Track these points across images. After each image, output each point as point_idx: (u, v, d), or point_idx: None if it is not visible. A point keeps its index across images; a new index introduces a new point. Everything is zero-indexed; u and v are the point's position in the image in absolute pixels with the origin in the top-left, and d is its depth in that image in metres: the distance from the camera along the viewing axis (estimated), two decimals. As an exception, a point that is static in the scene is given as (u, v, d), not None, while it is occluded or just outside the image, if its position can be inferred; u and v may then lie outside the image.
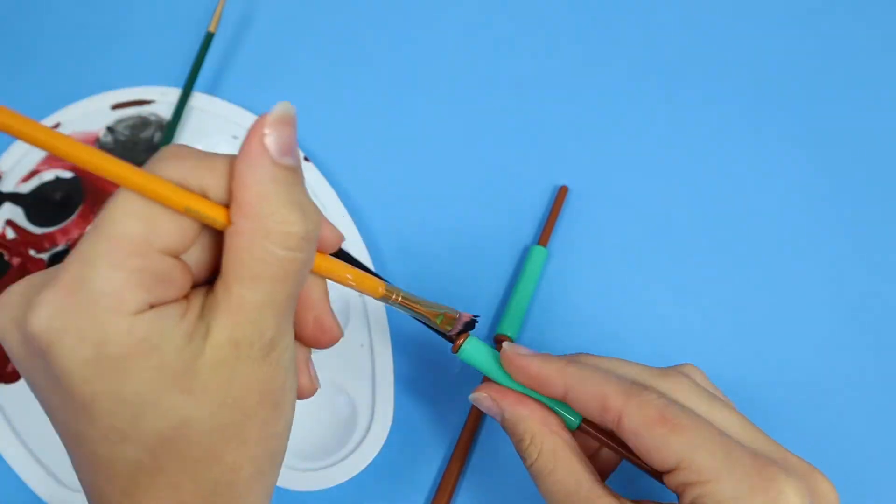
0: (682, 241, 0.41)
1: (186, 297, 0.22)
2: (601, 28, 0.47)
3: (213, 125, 0.43)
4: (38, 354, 0.20)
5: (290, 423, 0.25)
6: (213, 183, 0.21)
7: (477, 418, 0.36)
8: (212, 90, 0.45)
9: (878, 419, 0.37)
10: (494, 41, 0.47)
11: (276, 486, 0.34)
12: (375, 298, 0.26)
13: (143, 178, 0.20)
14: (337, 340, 0.26)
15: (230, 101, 0.44)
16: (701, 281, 0.40)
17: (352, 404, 0.36)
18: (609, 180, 0.43)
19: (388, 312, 0.38)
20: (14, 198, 0.41)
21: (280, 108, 0.21)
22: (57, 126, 0.42)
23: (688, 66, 0.46)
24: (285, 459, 0.35)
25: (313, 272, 0.24)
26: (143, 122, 0.43)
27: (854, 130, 0.44)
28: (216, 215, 0.21)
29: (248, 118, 0.43)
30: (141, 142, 0.42)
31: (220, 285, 0.21)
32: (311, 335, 0.25)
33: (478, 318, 0.30)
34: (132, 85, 0.44)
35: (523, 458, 0.28)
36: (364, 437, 0.35)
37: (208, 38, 0.44)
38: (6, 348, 0.21)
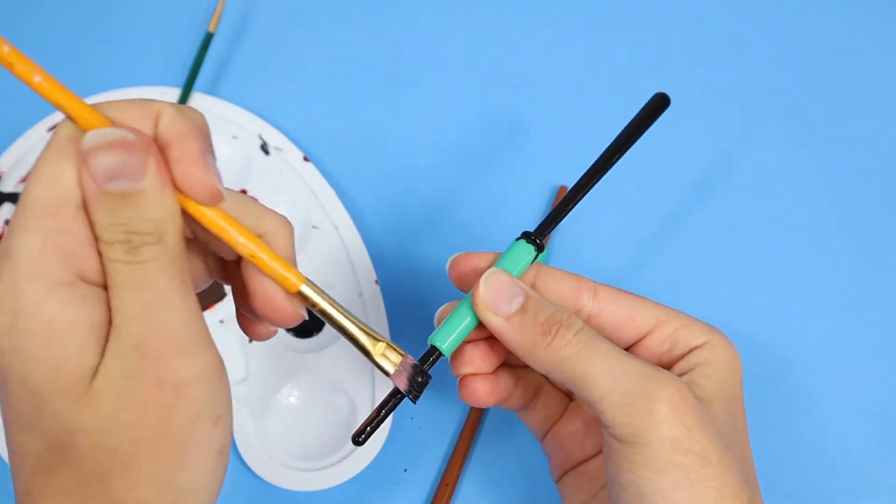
0: (682, 238, 0.41)
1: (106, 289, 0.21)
2: (601, 27, 0.47)
3: (213, 125, 0.42)
4: None
5: (204, 487, 0.22)
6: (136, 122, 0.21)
7: (478, 417, 0.36)
8: (211, 90, 0.45)
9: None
10: (495, 41, 0.47)
11: (276, 486, 0.34)
12: (291, 291, 0.23)
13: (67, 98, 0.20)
14: (294, 318, 0.24)
15: (230, 101, 0.44)
16: (701, 277, 0.40)
17: (352, 404, 0.36)
18: (608, 180, 0.42)
19: (389, 312, 0.38)
20: (14, 198, 0.41)
21: (92, 137, 0.20)
22: (56, 126, 0.42)
23: (687, 64, 0.46)
24: (285, 459, 0.35)
25: (194, 215, 0.22)
26: (143, 122, 0.43)
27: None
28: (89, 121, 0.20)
29: (248, 118, 0.43)
30: (140, 142, 0.42)
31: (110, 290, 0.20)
32: (262, 312, 0.24)
33: (423, 368, 0.27)
34: (132, 85, 0.44)
35: (558, 350, 0.26)
36: (364, 437, 0.35)
37: (208, 39, 0.44)
38: None
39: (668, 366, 0.28)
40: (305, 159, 0.42)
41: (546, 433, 0.31)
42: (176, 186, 0.21)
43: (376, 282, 0.38)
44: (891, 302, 0.40)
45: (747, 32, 0.47)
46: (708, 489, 0.24)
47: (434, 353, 0.27)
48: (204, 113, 0.44)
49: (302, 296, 0.23)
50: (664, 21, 0.47)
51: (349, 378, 0.36)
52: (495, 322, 0.27)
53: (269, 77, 0.46)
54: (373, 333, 0.25)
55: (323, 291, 0.24)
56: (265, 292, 0.23)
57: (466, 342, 0.28)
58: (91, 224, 0.20)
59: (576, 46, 0.47)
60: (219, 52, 0.46)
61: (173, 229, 0.21)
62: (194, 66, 0.43)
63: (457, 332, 0.27)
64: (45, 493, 0.20)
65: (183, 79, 0.44)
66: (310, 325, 0.38)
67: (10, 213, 0.41)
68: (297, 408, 0.36)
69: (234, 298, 0.26)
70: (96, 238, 0.20)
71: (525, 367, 0.30)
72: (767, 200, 0.42)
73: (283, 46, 0.47)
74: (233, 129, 0.43)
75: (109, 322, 0.20)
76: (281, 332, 0.38)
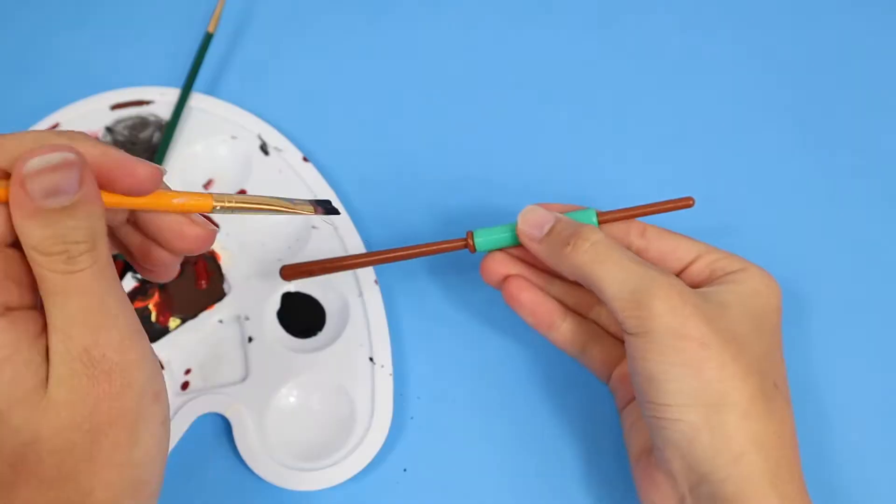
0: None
1: (38, 308, 0.23)
2: (601, 27, 0.47)
3: (213, 125, 0.43)
4: None
5: (155, 456, 0.24)
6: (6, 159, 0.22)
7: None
8: (211, 90, 0.45)
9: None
10: (494, 40, 0.47)
11: (276, 486, 0.34)
12: (209, 213, 0.25)
13: None
14: (210, 237, 0.26)
15: (229, 101, 0.44)
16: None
17: (351, 404, 0.36)
18: (609, 180, 0.43)
19: (388, 312, 0.38)
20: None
21: (37, 162, 0.21)
22: (55, 126, 0.42)
23: (687, 63, 0.46)
24: (285, 459, 0.35)
25: (138, 207, 0.24)
26: (142, 123, 0.43)
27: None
28: None
29: (248, 118, 0.43)
30: (140, 142, 0.42)
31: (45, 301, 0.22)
32: (178, 248, 0.26)
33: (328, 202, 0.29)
34: (131, 85, 0.44)
35: (576, 256, 0.30)
36: (364, 436, 0.35)
37: (207, 39, 0.44)
38: None
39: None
40: (305, 159, 0.42)
41: (609, 377, 0.35)
42: (114, 188, 0.23)
43: (376, 282, 0.38)
44: (891, 302, 0.40)
45: (747, 32, 0.47)
46: (709, 369, 0.28)
47: (465, 240, 0.34)
48: (204, 113, 0.45)
49: (220, 208, 0.25)
50: (665, 18, 0.48)
51: (349, 378, 0.36)
52: (532, 245, 0.32)
53: (268, 77, 0.46)
54: (287, 204, 0.27)
55: (226, 194, 0.26)
56: (174, 229, 0.25)
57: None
58: (24, 241, 0.21)
59: (575, 47, 0.47)
60: (218, 52, 0.46)
61: (102, 233, 0.22)
62: (194, 67, 0.43)
63: (494, 236, 0.34)
64: None
65: (182, 79, 0.44)
66: (310, 325, 0.38)
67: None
68: (297, 408, 0.36)
69: (131, 257, 0.27)
70: (28, 253, 0.22)
71: (580, 315, 0.35)
72: (768, 200, 0.42)
73: (283, 46, 0.47)
74: (232, 129, 0.43)
75: (43, 332, 0.22)
76: (281, 332, 0.38)
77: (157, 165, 0.24)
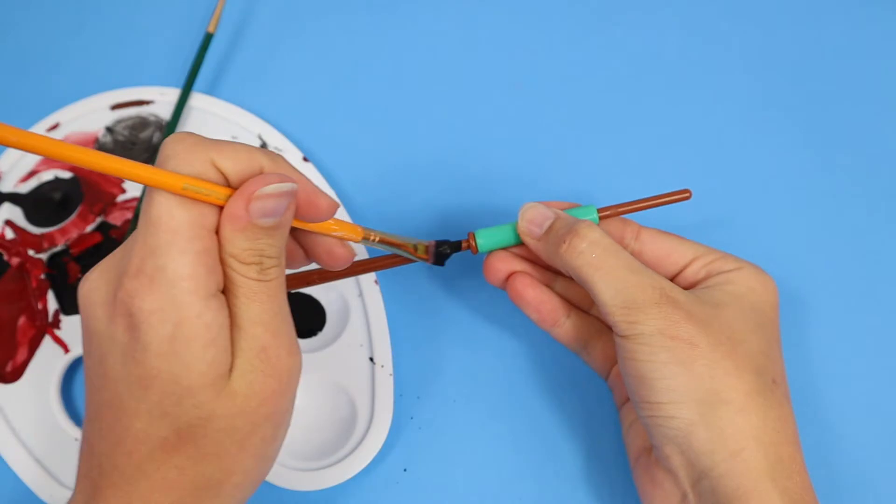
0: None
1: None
2: (600, 28, 0.47)
3: (213, 125, 0.43)
4: (127, 329, 0.23)
5: (277, 454, 0.28)
6: (227, 165, 0.24)
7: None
8: (211, 90, 0.45)
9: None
10: (494, 40, 0.47)
11: (276, 486, 0.34)
12: (356, 242, 0.30)
13: (141, 170, 0.23)
14: (351, 259, 0.30)
15: (229, 101, 0.44)
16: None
17: (351, 404, 0.36)
18: (609, 179, 0.43)
19: (388, 312, 0.38)
20: (13, 198, 0.41)
21: (273, 188, 0.24)
22: (55, 126, 0.42)
23: (686, 62, 0.46)
24: (285, 459, 0.35)
25: (309, 229, 0.28)
26: (143, 123, 0.43)
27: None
28: (212, 193, 0.24)
29: (248, 118, 0.43)
30: (140, 142, 0.42)
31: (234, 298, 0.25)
32: (325, 260, 0.30)
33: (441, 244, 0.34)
34: (131, 85, 0.44)
35: (572, 257, 0.31)
36: (364, 436, 0.35)
37: (207, 39, 0.44)
38: (87, 324, 0.25)
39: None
40: (305, 159, 0.42)
41: (608, 373, 0.35)
42: (299, 213, 0.26)
43: (376, 282, 0.39)
44: (890, 302, 0.40)
45: (747, 31, 0.47)
46: (699, 366, 0.28)
47: (468, 240, 0.34)
48: (204, 113, 0.45)
49: (365, 239, 0.31)
50: (663, 19, 0.48)
51: (349, 378, 0.36)
52: (532, 243, 0.33)
53: (268, 77, 0.46)
54: (410, 246, 0.33)
55: (372, 230, 0.31)
56: (326, 248, 0.29)
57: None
58: (224, 248, 0.24)
59: (575, 45, 0.47)
60: (218, 52, 0.46)
61: (285, 253, 0.26)
62: (194, 67, 0.43)
63: (496, 236, 0.34)
64: (161, 467, 0.24)
65: (182, 79, 0.44)
66: (310, 325, 0.38)
67: (10, 213, 0.41)
68: (297, 408, 0.36)
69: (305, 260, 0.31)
70: (225, 257, 0.24)
71: (582, 311, 0.35)
72: (767, 199, 0.42)
73: (283, 46, 0.47)
74: (232, 129, 0.43)
75: (231, 325, 0.25)
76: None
77: (335, 200, 0.28)
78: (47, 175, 0.42)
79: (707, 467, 0.28)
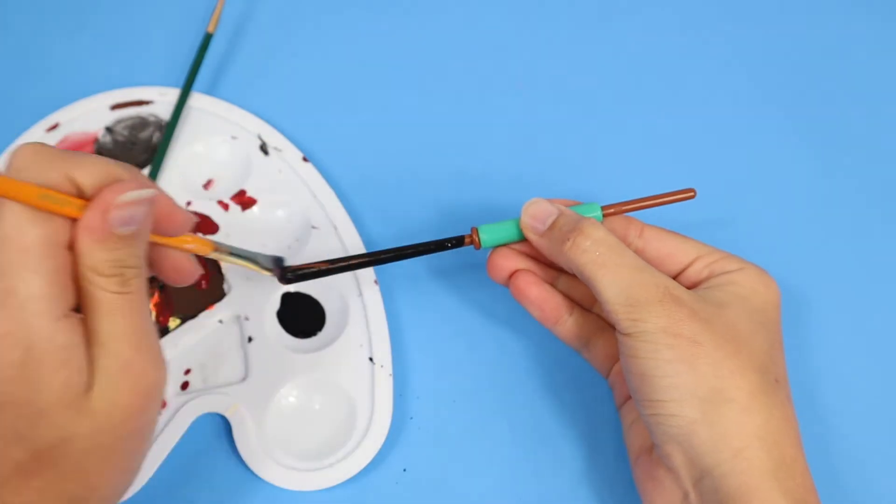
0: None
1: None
2: (601, 27, 0.47)
3: (212, 125, 0.43)
4: None
5: (143, 462, 0.27)
6: (83, 177, 0.24)
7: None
8: (211, 90, 0.45)
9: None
10: (494, 40, 0.47)
11: (276, 486, 0.34)
12: (206, 256, 0.30)
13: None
14: (196, 275, 0.29)
15: (229, 101, 0.44)
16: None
17: (351, 404, 0.36)
18: (611, 177, 0.43)
19: (388, 312, 0.38)
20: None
21: (132, 195, 0.24)
22: (55, 126, 0.42)
23: (688, 60, 0.46)
24: (285, 459, 0.35)
25: (157, 242, 0.27)
26: (142, 123, 0.43)
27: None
28: (70, 203, 0.23)
29: (248, 118, 0.43)
30: (140, 142, 0.42)
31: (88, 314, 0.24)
32: (172, 279, 0.29)
33: (282, 258, 0.34)
34: (131, 85, 0.44)
35: (576, 254, 0.31)
36: (364, 436, 0.35)
37: (207, 39, 0.44)
38: None
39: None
40: (305, 159, 0.42)
41: (609, 371, 0.35)
42: (160, 226, 0.26)
43: (376, 282, 0.38)
44: (891, 302, 0.40)
45: (748, 32, 0.47)
46: (702, 364, 0.28)
47: (471, 236, 0.34)
48: (203, 113, 0.45)
49: (216, 252, 0.30)
50: (662, 20, 0.48)
51: (349, 378, 0.36)
52: (533, 238, 0.33)
53: (268, 77, 0.46)
54: (255, 262, 0.33)
55: (222, 244, 0.31)
56: (174, 262, 0.28)
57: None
58: (82, 261, 0.23)
59: (575, 44, 0.47)
60: (218, 52, 0.46)
61: (144, 263, 0.25)
62: (193, 67, 0.43)
63: (499, 231, 0.34)
64: (21, 491, 0.23)
65: (182, 79, 0.44)
66: (310, 325, 0.38)
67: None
68: (297, 408, 0.36)
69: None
70: (83, 271, 0.23)
71: (584, 309, 0.35)
72: (768, 198, 0.42)
73: (283, 46, 0.47)
74: (232, 129, 0.43)
75: (87, 341, 0.24)
76: (281, 332, 0.38)
77: (191, 214, 0.27)
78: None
79: (709, 466, 0.28)
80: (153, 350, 0.25)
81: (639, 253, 0.33)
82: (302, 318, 0.38)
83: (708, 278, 0.32)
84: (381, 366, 0.37)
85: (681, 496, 0.29)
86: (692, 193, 0.34)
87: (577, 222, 0.31)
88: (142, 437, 0.26)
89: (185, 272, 0.29)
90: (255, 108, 0.44)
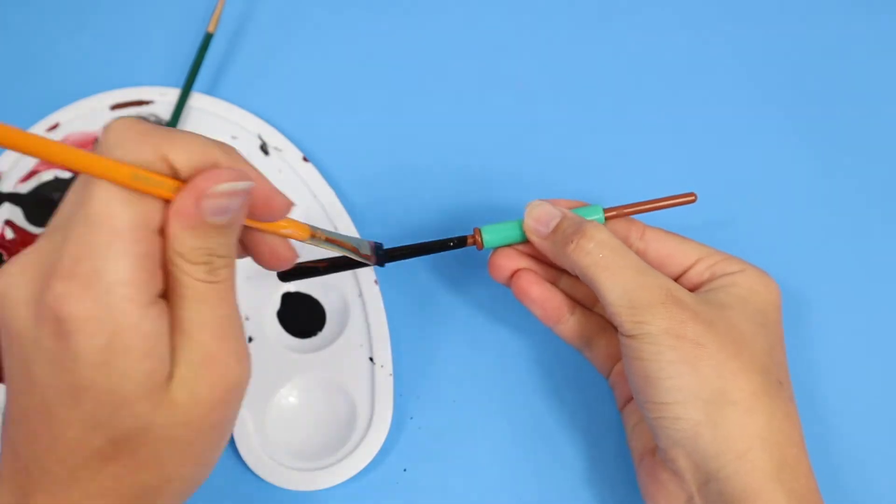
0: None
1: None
2: (601, 27, 0.47)
3: (212, 125, 0.43)
4: (55, 335, 0.21)
5: (219, 458, 0.26)
6: (179, 157, 0.23)
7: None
8: (211, 90, 0.45)
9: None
10: (494, 40, 0.47)
11: (276, 486, 0.34)
12: (303, 241, 0.29)
13: (85, 157, 0.21)
14: (294, 260, 0.28)
15: (229, 101, 0.44)
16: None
17: (351, 404, 0.36)
18: (611, 178, 0.43)
19: (388, 312, 0.38)
20: (13, 198, 0.41)
21: (228, 186, 0.23)
22: (55, 126, 0.42)
23: (688, 61, 0.46)
24: (285, 459, 0.35)
25: (260, 228, 0.26)
26: (143, 123, 0.43)
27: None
28: (163, 184, 0.22)
29: (248, 118, 0.43)
30: (140, 142, 0.42)
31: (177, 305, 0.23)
32: (268, 261, 0.28)
33: (380, 243, 0.33)
34: (131, 85, 0.44)
35: (580, 256, 0.31)
36: (363, 436, 0.35)
37: (207, 39, 0.44)
38: (7, 323, 0.23)
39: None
40: (305, 159, 0.42)
41: (610, 371, 0.35)
42: (258, 212, 0.25)
43: (376, 282, 0.38)
44: (891, 302, 0.40)
45: (749, 33, 0.47)
46: (706, 366, 0.28)
47: (474, 236, 0.34)
48: (204, 113, 0.45)
49: (312, 238, 0.29)
50: (661, 20, 0.48)
51: (349, 378, 0.36)
52: (536, 241, 0.33)
53: (268, 77, 0.46)
54: (354, 246, 0.31)
55: (319, 228, 0.29)
56: (270, 248, 0.27)
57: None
58: (171, 247, 0.23)
59: (576, 44, 0.47)
60: (218, 52, 0.46)
61: (235, 252, 0.24)
62: (194, 67, 0.43)
63: (501, 232, 0.34)
64: (97, 476, 0.23)
65: (182, 79, 0.44)
66: (310, 326, 0.38)
67: (10, 213, 0.41)
68: (297, 408, 0.36)
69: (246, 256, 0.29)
70: (171, 256, 0.23)
71: (586, 308, 0.35)
72: (768, 199, 0.42)
73: (283, 46, 0.47)
74: (232, 129, 0.43)
75: (172, 331, 0.23)
76: (281, 331, 0.38)
77: (290, 199, 0.26)
78: (47, 175, 0.42)
79: (714, 470, 0.28)
80: (238, 343, 0.24)
81: (640, 255, 0.33)
82: (302, 318, 0.38)
83: (709, 280, 0.32)
84: (382, 366, 0.37)
85: (685, 499, 0.29)
86: (693, 198, 0.34)
87: (580, 225, 0.31)
88: (221, 431, 0.25)
89: (283, 258, 0.28)
90: (255, 108, 0.44)
